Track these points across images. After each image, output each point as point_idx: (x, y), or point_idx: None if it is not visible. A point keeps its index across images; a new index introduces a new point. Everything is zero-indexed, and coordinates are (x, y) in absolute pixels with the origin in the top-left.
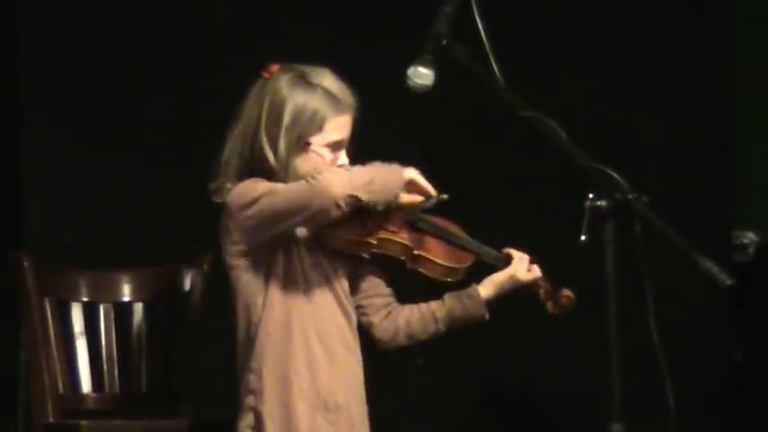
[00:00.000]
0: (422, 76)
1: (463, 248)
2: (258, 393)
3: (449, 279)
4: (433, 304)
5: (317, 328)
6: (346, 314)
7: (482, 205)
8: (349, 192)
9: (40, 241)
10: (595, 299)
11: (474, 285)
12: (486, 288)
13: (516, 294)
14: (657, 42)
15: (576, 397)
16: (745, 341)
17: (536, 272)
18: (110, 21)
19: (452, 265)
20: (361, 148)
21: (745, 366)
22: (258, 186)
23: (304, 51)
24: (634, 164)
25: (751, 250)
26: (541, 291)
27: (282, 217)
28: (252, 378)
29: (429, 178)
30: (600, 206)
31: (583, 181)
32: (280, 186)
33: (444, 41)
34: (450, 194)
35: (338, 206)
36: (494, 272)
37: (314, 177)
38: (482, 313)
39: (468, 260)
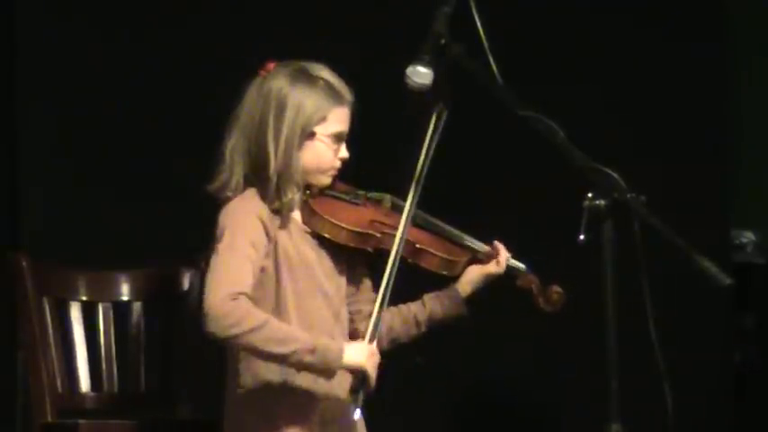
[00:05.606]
0: (420, 75)
1: (458, 245)
2: (243, 396)
3: (446, 272)
4: (414, 307)
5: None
6: (336, 316)
7: (480, 205)
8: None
9: (38, 241)
10: (594, 299)
11: (452, 285)
12: (464, 286)
13: (512, 296)
14: (656, 41)
15: (575, 397)
16: (745, 342)
17: (502, 259)
18: (108, 22)
19: (451, 258)
20: (360, 148)
21: (748, 367)
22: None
23: (302, 51)
24: (632, 163)
25: (749, 250)
26: (533, 287)
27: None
28: (237, 381)
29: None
30: (598, 206)
31: (581, 181)
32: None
33: (443, 41)
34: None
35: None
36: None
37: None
38: (461, 311)
39: (465, 255)
